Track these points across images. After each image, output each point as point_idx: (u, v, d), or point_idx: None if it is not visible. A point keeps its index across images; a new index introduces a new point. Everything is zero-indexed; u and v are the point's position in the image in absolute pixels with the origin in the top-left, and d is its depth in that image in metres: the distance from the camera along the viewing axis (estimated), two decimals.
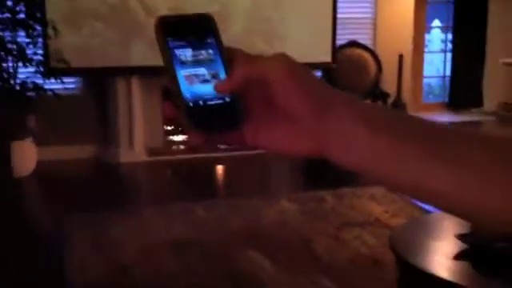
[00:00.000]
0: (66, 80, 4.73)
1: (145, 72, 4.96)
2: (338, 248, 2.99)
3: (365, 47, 6.10)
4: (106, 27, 4.92)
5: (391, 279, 2.48)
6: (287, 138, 0.52)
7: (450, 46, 7.28)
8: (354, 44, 6.07)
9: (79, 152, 5.10)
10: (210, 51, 0.54)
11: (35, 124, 4.72)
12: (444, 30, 7.66)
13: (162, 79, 4.99)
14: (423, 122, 0.51)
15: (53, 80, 4.62)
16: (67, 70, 4.69)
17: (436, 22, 8.08)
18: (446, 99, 7.26)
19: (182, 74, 0.53)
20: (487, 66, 6.99)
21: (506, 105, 7.02)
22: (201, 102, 0.53)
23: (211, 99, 0.53)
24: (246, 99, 0.54)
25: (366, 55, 6.05)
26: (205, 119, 0.52)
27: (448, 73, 7.22)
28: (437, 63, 7.75)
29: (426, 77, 7.16)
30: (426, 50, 7.05)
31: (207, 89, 0.53)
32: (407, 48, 6.38)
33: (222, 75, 0.53)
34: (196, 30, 0.55)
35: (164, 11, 4.95)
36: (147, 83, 5.12)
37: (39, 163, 4.60)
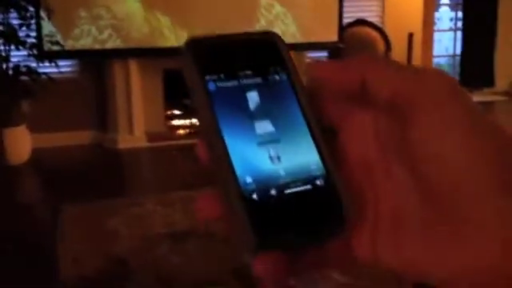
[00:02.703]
0: (60, 63, 4.56)
1: (144, 54, 4.79)
2: None
3: (373, 25, 5.87)
4: (114, 9, 4.71)
5: None
6: (443, 249, 0.28)
7: (459, 24, 7.08)
8: (361, 22, 5.83)
9: (76, 138, 4.94)
10: (282, 96, 0.33)
11: (29, 110, 4.56)
12: (453, 7, 7.44)
13: (163, 61, 4.82)
14: None
15: (47, 63, 4.44)
16: (62, 53, 4.53)
17: (445, 0, 7.87)
18: (457, 79, 7.06)
19: (235, 140, 0.31)
20: (498, 45, 6.78)
21: None
22: (273, 192, 0.30)
23: (291, 184, 0.31)
24: (351, 177, 0.32)
25: (375, 34, 5.82)
26: (281, 224, 0.30)
27: (458, 52, 7.01)
28: (446, 42, 7.56)
29: (435, 56, 6.95)
30: (435, 28, 6.83)
31: (283, 165, 0.31)
32: (417, 26, 6.15)
33: (307, 138, 0.32)
34: (254, 59, 0.33)
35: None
36: (146, 65, 4.95)
37: (34, 150, 4.45)
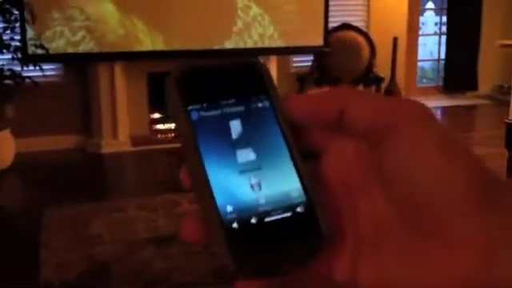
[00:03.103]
0: (45, 67, 4.52)
1: (129, 57, 4.77)
2: None
3: (358, 30, 5.90)
4: (88, 11, 4.69)
5: None
6: (423, 268, 0.29)
7: (443, 28, 7.13)
8: (347, 27, 5.86)
9: (60, 142, 4.92)
10: (264, 124, 0.33)
11: (13, 114, 4.52)
12: (438, 12, 7.50)
13: (147, 64, 4.81)
14: None
15: (31, 67, 4.40)
16: (46, 57, 4.49)
17: (429, 4, 7.94)
18: (440, 83, 7.12)
19: (217, 169, 0.31)
20: (482, 49, 6.85)
21: (501, 88, 6.88)
22: (253, 220, 0.31)
23: (272, 212, 0.31)
24: (331, 199, 0.32)
25: (360, 38, 5.85)
26: (262, 252, 0.30)
27: (442, 56, 7.06)
28: (430, 46, 7.62)
29: (419, 60, 7.00)
30: (419, 32, 6.88)
31: (264, 193, 0.32)
32: (402, 31, 6.20)
33: (289, 164, 0.32)
34: (237, 88, 0.33)
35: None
36: (131, 69, 4.93)
37: (18, 155, 4.42)
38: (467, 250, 0.28)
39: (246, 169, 0.32)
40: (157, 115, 5.26)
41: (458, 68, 6.86)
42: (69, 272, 2.59)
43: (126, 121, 4.98)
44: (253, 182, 0.32)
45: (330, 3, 5.38)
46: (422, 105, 0.30)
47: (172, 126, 5.27)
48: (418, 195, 0.28)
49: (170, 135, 5.17)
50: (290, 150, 0.33)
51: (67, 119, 5.00)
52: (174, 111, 0.32)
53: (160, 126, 5.25)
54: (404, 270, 0.29)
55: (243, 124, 0.33)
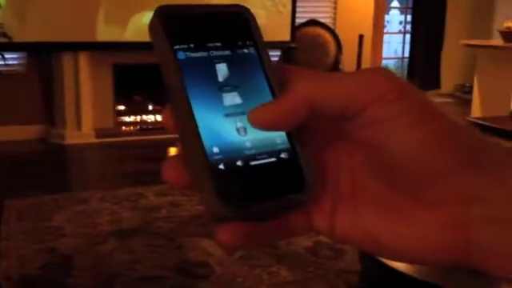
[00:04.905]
0: (7, 56, 4.43)
1: (94, 47, 4.71)
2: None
3: (325, 26, 5.95)
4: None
5: (353, 270, 2.35)
6: (398, 223, 0.31)
7: (408, 27, 7.25)
8: (314, 23, 5.91)
9: (23, 133, 4.83)
10: (250, 70, 0.33)
11: None
12: (403, 11, 7.61)
13: (113, 55, 4.75)
14: None
15: None
16: (9, 45, 4.39)
17: (395, 3, 8.05)
18: (403, 78, 7.24)
19: (203, 110, 0.31)
20: (445, 48, 6.98)
21: (463, 87, 7.04)
22: (239, 163, 0.31)
23: (257, 156, 0.31)
24: (313, 154, 0.32)
25: (327, 35, 5.91)
26: (247, 194, 0.30)
27: (406, 54, 7.18)
28: (395, 44, 7.72)
29: (384, 58, 7.10)
30: (384, 30, 6.98)
31: (249, 138, 0.31)
32: (367, 28, 6.27)
33: None
34: (224, 32, 0.33)
35: None
36: (96, 59, 4.86)
37: None
38: (440, 211, 0.29)
39: (232, 112, 0.31)
40: (122, 107, 5.21)
41: (422, 66, 6.99)
42: (29, 264, 2.56)
43: (90, 112, 4.91)
44: (238, 125, 0.31)
45: None
46: (387, 76, 0.30)
47: (137, 118, 5.23)
48: (395, 162, 0.30)
49: (135, 128, 5.14)
50: (275, 98, 0.32)
51: (30, 109, 4.91)
52: (160, 50, 0.31)
53: (125, 119, 5.21)
54: (379, 222, 0.31)
55: (229, 68, 0.32)
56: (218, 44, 0.32)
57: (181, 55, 0.31)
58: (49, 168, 4.22)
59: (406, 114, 0.29)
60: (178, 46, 0.31)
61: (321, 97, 0.30)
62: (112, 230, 2.94)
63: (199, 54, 0.32)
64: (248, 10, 0.34)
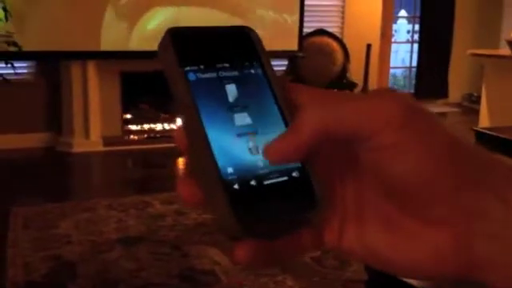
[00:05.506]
0: (17, 64, 4.46)
1: (101, 56, 4.73)
2: None
3: (333, 35, 5.96)
4: (62, 9, 4.65)
5: (359, 280, 2.34)
6: (401, 240, 0.32)
7: (416, 36, 7.24)
8: (321, 32, 5.92)
9: (31, 141, 4.85)
10: (258, 90, 0.34)
11: None
12: (410, 20, 7.61)
13: (121, 64, 4.78)
14: None
15: (3, 64, 4.34)
16: (18, 54, 4.42)
17: (402, 13, 8.05)
18: (412, 90, 7.22)
19: (216, 131, 0.31)
20: (453, 58, 6.97)
21: (471, 96, 7.01)
22: (253, 182, 0.31)
23: (269, 175, 0.32)
24: (323, 173, 0.33)
25: (334, 44, 5.91)
26: (262, 213, 0.31)
27: (414, 63, 7.17)
28: (402, 54, 7.72)
29: (391, 67, 7.10)
30: (392, 40, 6.98)
31: (261, 157, 0.32)
32: (375, 37, 6.28)
33: (283, 130, 0.32)
34: (232, 53, 0.34)
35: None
36: (104, 68, 4.89)
37: None
38: (443, 228, 0.30)
39: (243, 132, 0.32)
40: (129, 115, 5.23)
41: (429, 76, 6.98)
42: (35, 272, 2.56)
43: (98, 120, 4.93)
44: (250, 145, 0.32)
45: (305, 9, 5.42)
46: (394, 102, 0.31)
47: (144, 126, 5.25)
48: (399, 184, 0.31)
49: (142, 136, 5.15)
50: (284, 117, 0.33)
51: (38, 117, 4.93)
52: (170, 71, 0.32)
53: (132, 127, 5.22)
54: (383, 241, 0.32)
55: (238, 88, 0.33)
56: (227, 65, 0.33)
57: (191, 76, 0.32)
58: (56, 176, 4.24)
59: (409, 142, 0.30)
60: (188, 68, 0.32)
61: (332, 127, 0.31)
62: (118, 237, 2.95)
63: (209, 75, 0.32)
64: (253, 31, 0.35)
